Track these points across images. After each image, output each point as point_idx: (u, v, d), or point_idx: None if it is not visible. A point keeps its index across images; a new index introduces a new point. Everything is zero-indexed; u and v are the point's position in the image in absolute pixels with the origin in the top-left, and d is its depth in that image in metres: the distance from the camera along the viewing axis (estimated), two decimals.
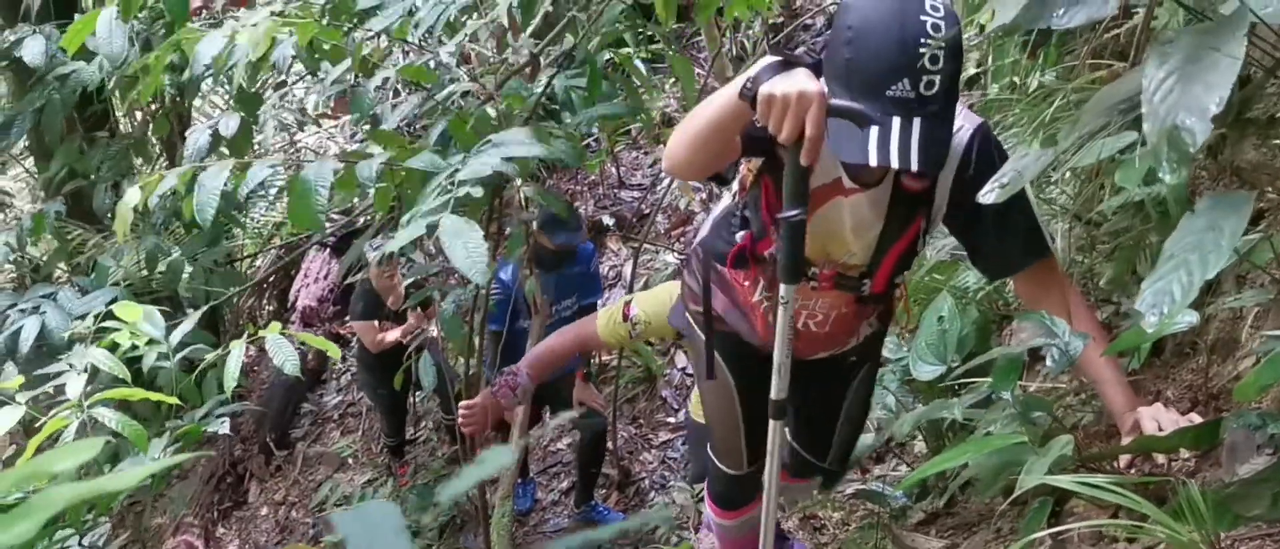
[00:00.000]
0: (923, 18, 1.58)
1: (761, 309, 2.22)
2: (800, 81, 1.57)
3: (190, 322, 3.12)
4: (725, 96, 1.72)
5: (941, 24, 1.58)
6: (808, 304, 2.16)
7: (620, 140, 7.45)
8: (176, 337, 3.01)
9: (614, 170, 7.50)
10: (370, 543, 0.40)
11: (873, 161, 1.58)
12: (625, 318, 2.86)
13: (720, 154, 1.85)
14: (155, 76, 3.02)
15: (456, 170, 2.19)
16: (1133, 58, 2.00)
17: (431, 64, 3.10)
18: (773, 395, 1.92)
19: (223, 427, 3.40)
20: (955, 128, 1.84)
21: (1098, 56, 2.55)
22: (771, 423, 1.95)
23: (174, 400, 2.96)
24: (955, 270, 2.99)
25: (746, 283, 2.24)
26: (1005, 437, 1.56)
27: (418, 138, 3.10)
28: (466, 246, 2.08)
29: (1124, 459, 1.70)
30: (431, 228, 1.97)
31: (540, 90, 3.24)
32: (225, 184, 2.32)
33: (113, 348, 2.89)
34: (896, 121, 1.58)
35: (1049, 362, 1.70)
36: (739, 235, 2.14)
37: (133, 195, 2.39)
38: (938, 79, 1.58)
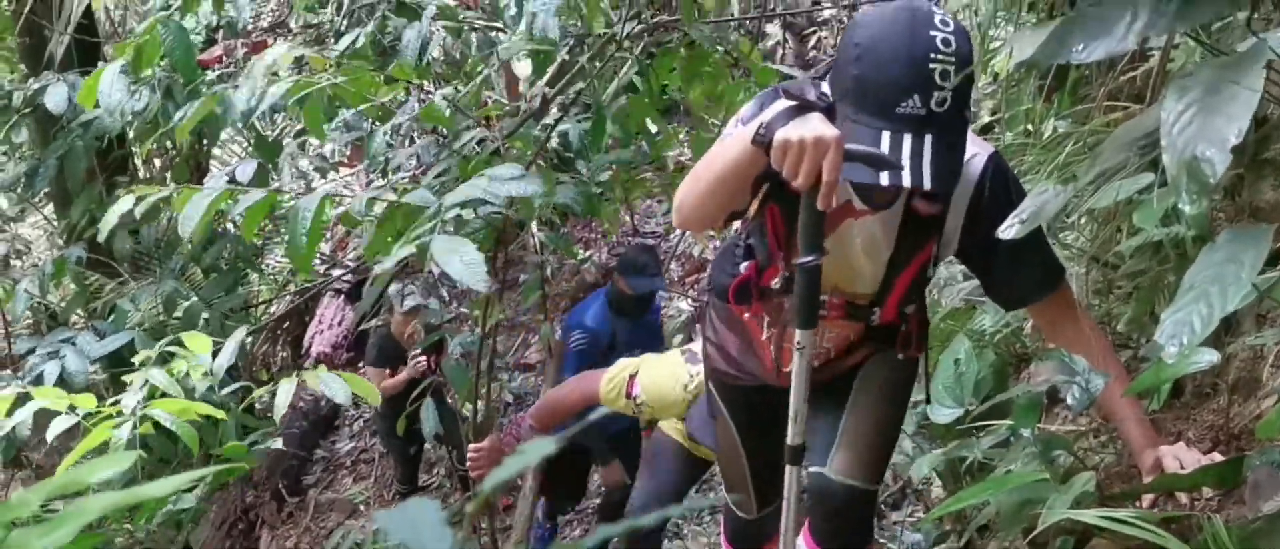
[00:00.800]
0: (932, 33, 1.57)
1: (770, 347, 2.15)
2: (817, 126, 1.55)
3: (232, 345, 3.14)
4: (738, 144, 1.68)
5: (952, 39, 1.57)
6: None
7: (636, 189, 7.49)
8: (222, 363, 3.05)
9: (628, 218, 7.54)
10: (414, 536, 0.41)
11: (884, 181, 1.57)
12: (629, 395, 2.86)
13: (731, 202, 1.82)
14: (193, 122, 3.08)
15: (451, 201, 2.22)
16: (1149, 99, 2.01)
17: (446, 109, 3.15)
18: (789, 441, 1.87)
19: (276, 443, 3.45)
20: (968, 155, 1.82)
21: (1113, 99, 2.57)
22: (788, 469, 1.91)
23: (221, 415, 2.98)
24: (971, 315, 2.98)
25: (748, 317, 2.17)
26: (1027, 474, 1.56)
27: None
28: (462, 259, 2.08)
29: (1146, 498, 1.69)
30: (422, 249, 1.99)
31: (544, 132, 3.27)
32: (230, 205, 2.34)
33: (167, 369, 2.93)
34: (907, 139, 1.56)
35: (1070, 400, 1.69)
36: (742, 266, 2.08)
37: (124, 202, 2.45)
38: (949, 95, 1.57)
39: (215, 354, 2.94)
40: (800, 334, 1.77)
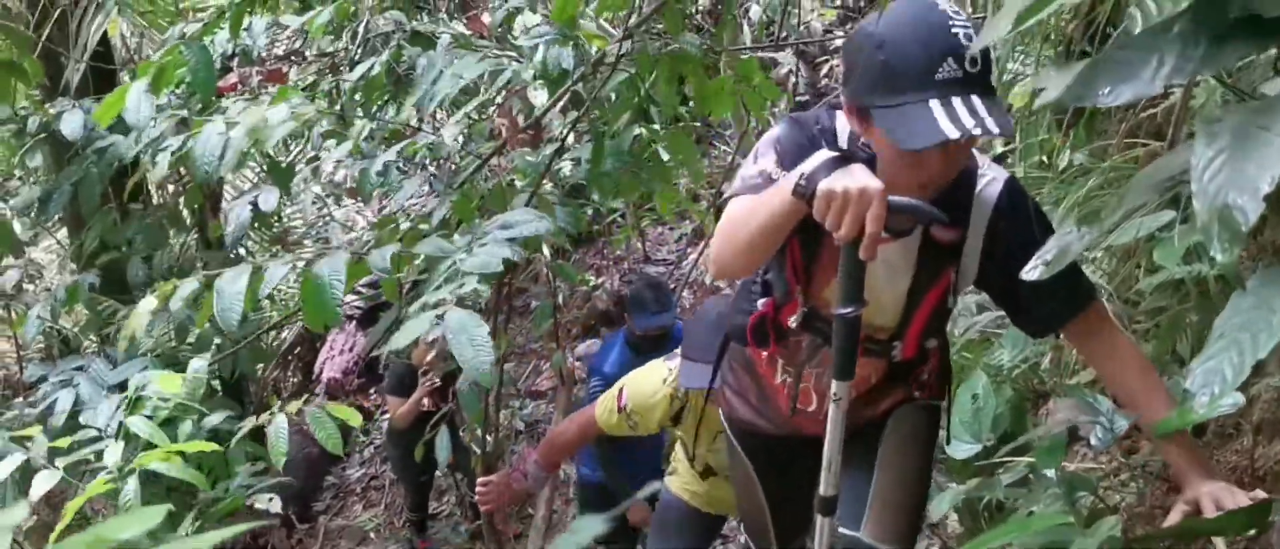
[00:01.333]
0: (939, 5, 1.61)
1: (785, 392, 2.11)
2: (861, 178, 1.54)
3: (193, 377, 3.13)
4: (778, 197, 1.65)
5: (956, 8, 1.62)
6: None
7: (646, 216, 7.49)
8: (188, 390, 3.04)
9: (640, 245, 7.54)
10: None
11: (953, 133, 1.54)
12: (620, 410, 2.83)
13: (772, 252, 1.79)
14: (183, 159, 3.09)
15: (462, 256, 2.21)
16: (1171, 136, 2.00)
17: (445, 142, 3.15)
18: (821, 491, 1.81)
19: (274, 505, 3.36)
20: (985, 179, 1.86)
21: (1132, 135, 2.55)
22: (819, 519, 1.85)
23: (215, 450, 2.96)
24: (987, 348, 2.96)
25: (763, 358, 2.13)
26: (1050, 517, 1.53)
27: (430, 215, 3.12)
28: (472, 343, 2.11)
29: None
30: (438, 321, 1.99)
31: (547, 161, 3.27)
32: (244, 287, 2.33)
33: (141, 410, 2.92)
34: (957, 100, 1.57)
35: (1093, 440, 1.67)
36: (759, 302, 2.04)
37: (148, 303, 2.42)
38: (978, 57, 1.59)
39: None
40: (837, 385, 1.74)
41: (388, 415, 5.62)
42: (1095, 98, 1.17)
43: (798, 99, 7.18)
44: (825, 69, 7.40)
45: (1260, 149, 1.03)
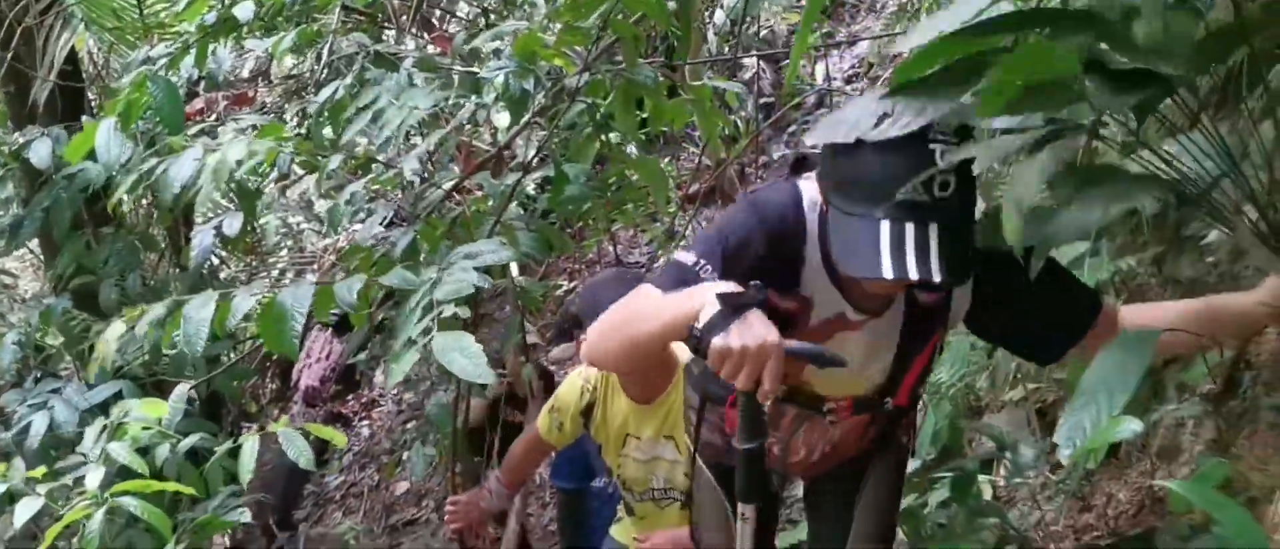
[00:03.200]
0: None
1: (774, 449, 1.99)
2: (757, 332, 1.43)
3: (177, 401, 3.21)
4: (674, 322, 1.54)
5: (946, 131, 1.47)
6: (824, 434, 1.95)
7: (619, 219, 7.58)
8: (169, 418, 3.11)
9: (611, 249, 7.63)
10: None
11: (888, 275, 1.44)
12: (549, 410, 2.81)
13: (650, 363, 1.75)
14: (143, 187, 3.17)
15: (434, 285, 2.29)
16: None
17: (406, 174, 3.22)
18: None
19: (243, 516, 3.49)
20: None
21: None
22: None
23: (191, 491, 3.05)
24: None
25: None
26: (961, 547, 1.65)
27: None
28: (464, 354, 2.17)
29: None
30: (426, 352, 2.06)
31: (509, 186, 3.34)
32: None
33: (123, 438, 2.99)
34: (910, 228, 1.45)
35: (1003, 472, 1.79)
36: None
37: (115, 329, 2.50)
38: (952, 179, 1.46)
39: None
40: (743, 506, 1.66)
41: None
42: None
43: (763, 100, 7.28)
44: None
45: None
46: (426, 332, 2.20)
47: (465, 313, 2.37)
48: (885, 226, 1.46)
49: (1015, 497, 2.42)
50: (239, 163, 2.90)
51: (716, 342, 1.44)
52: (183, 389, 3.30)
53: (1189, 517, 1.73)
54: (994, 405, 2.71)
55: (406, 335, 2.21)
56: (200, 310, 2.48)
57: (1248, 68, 1.49)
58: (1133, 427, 1.79)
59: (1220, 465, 1.52)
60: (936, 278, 1.44)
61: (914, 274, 1.44)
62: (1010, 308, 1.70)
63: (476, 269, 2.59)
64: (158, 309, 2.63)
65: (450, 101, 3.67)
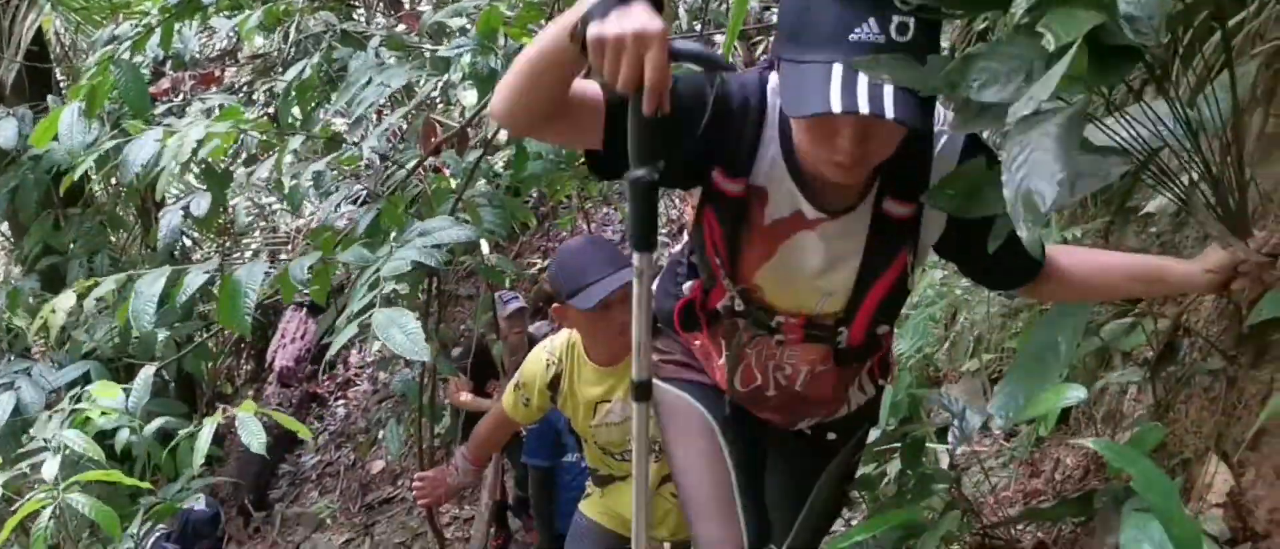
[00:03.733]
0: None
1: (721, 374, 1.87)
2: (638, 18, 1.29)
3: (142, 384, 3.22)
4: (554, 31, 1.40)
5: None
6: (773, 358, 1.81)
7: (591, 197, 7.60)
8: (134, 401, 3.11)
9: (585, 226, 7.65)
10: None
11: (836, 106, 1.31)
12: (515, 386, 2.78)
13: (550, 105, 1.48)
14: (107, 169, 3.17)
15: (385, 261, 2.31)
16: None
17: (364, 153, 3.22)
18: (634, 375, 1.56)
19: (198, 502, 3.49)
20: (941, 140, 1.59)
21: None
22: (635, 406, 1.59)
23: (148, 486, 3.05)
24: None
25: (697, 344, 1.90)
26: (900, 514, 1.69)
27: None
28: (403, 331, 2.19)
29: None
30: (364, 328, 2.08)
31: (471, 163, 3.34)
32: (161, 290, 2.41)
33: (84, 424, 2.99)
34: (865, 71, 1.32)
35: (950, 440, 1.83)
36: (686, 286, 1.84)
37: (66, 300, 2.50)
38: (911, 23, 1.35)
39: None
40: (638, 257, 1.47)
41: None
42: (967, 89, 1.24)
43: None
44: (762, 47, 7.51)
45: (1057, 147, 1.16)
46: (370, 306, 2.22)
47: (404, 289, 2.38)
48: (837, 69, 1.34)
49: (970, 464, 2.48)
50: (199, 144, 2.89)
51: (592, 29, 1.30)
52: (148, 372, 3.29)
53: (1128, 477, 1.78)
54: (952, 376, 2.76)
55: (350, 309, 2.23)
56: (150, 285, 2.49)
57: (1203, 36, 1.51)
58: (1078, 394, 1.83)
59: (1155, 429, 1.56)
60: (889, 114, 1.31)
61: (865, 107, 1.31)
62: (974, 235, 1.55)
63: (435, 247, 2.61)
64: (108, 283, 2.63)
65: (420, 81, 3.69)
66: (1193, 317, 1.79)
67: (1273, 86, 1.69)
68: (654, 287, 1.87)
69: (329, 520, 6.54)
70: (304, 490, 7.01)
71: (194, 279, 2.46)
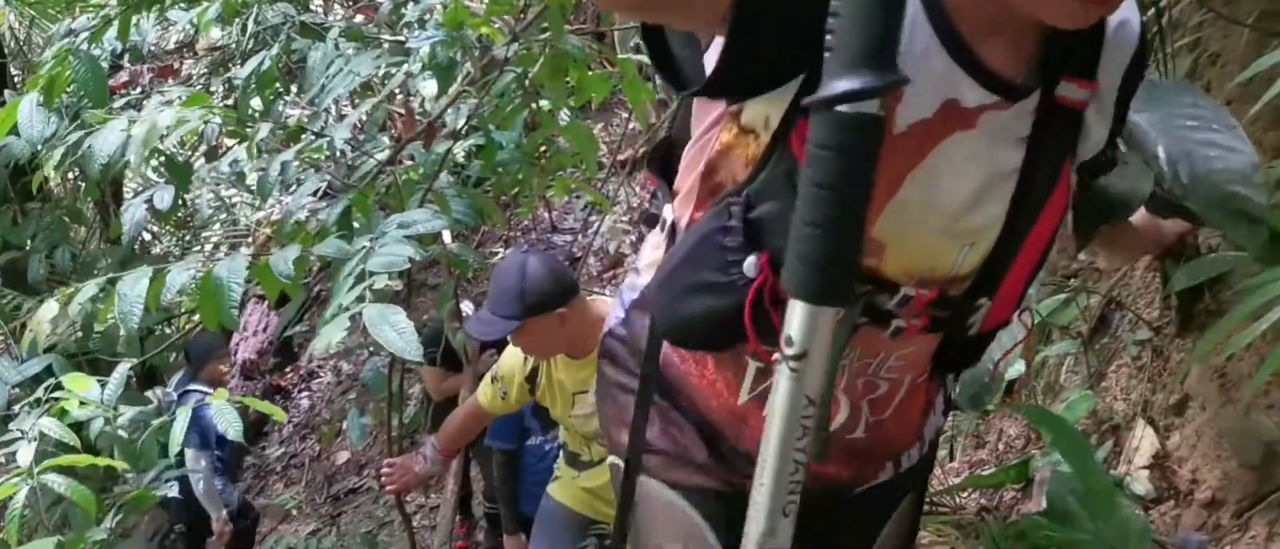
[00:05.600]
0: None
1: (749, 412, 1.25)
2: None
3: (117, 379, 3.24)
4: None
5: None
6: (867, 367, 1.21)
7: (552, 185, 7.64)
8: (110, 394, 3.13)
9: (546, 215, 7.70)
10: None
11: None
12: (492, 379, 2.81)
13: None
14: (69, 162, 3.17)
15: (366, 254, 2.34)
16: None
17: (337, 144, 3.25)
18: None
19: (171, 490, 3.52)
20: (1116, 18, 1.11)
21: None
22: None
23: (123, 465, 3.08)
24: None
25: (731, 376, 1.26)
26: None
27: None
28: (395, 328, 2.23)
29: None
30: (355, 321, 2.10)
31: (440, 157, 3.38)
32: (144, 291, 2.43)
33: (62, 415, 3.01)
34: None
35: None
36: (748, 265, 1.08)
37: (48, 309, 2.51)
38: None
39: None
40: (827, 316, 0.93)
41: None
42: None
43: None
44: None
45: None
46: (360, 300, 2.25)
47: (397, 285, 2.41)
48: None
49: None
50: (168, 130, 2.91)
51: None
52: (123, 368, 3.31)
53: None
54: None
55: (338, 303, 2.26)
56: (134, 287, 2.51)
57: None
58: (1017, 368, 1.93)
59: (1086, 398, 1.65)
60: None
61: None
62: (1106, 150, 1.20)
63: (410, 238, 2.65)
64: (90, 287, 2.64)
65: (381, 71, 3.71)
66: (1123, 290, 1.88)
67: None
68: (631, 295, 1.39)
69: (295, 511, 6.56)
70: (269, 482, 7.02)
71: (176, 277, 2.48)
